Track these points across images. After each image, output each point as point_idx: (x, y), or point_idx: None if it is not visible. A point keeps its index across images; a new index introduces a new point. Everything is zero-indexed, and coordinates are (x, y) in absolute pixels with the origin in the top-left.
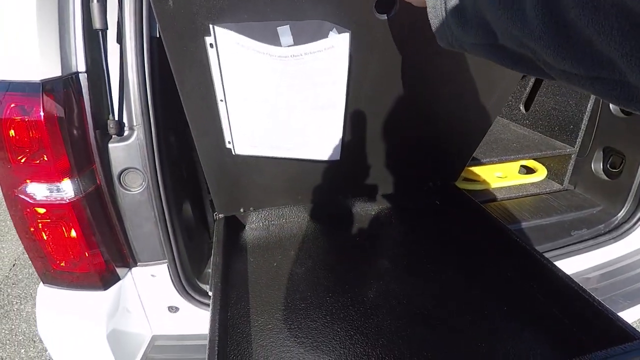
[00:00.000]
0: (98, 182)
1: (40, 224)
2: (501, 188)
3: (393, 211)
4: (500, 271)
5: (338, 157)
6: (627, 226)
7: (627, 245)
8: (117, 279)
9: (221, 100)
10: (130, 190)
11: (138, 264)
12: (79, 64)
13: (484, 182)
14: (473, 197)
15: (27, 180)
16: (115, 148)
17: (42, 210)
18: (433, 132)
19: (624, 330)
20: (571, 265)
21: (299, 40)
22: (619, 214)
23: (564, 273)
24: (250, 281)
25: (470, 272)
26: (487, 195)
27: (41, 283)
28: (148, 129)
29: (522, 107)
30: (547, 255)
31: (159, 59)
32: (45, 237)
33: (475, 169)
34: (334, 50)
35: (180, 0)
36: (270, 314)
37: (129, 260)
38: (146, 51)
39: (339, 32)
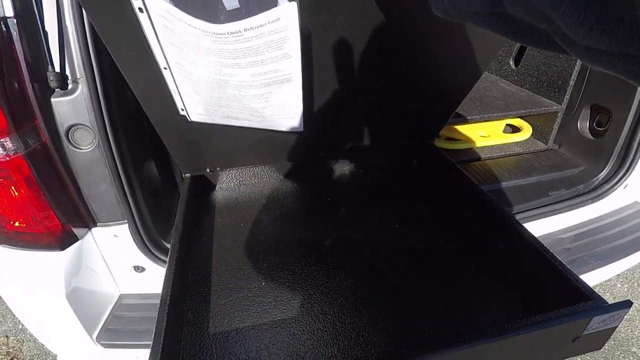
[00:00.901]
0: (43, 139)
1: None
2: (484, 147)
3: (367, 171)
4: (470, 231)
5: (301, 129)
6: (606, 187)
7: (604, 206)
8: (75, 239)
9: (165, 68)
10: (80, 148)
11: (98, 224)
12: (6, 8)
13: (467, 141)
14: (455, 156)
15: None
16: (59, 103)
17: None
18: (410, 91)
19: (582, 292)
20: (546, 225)
21: (245, 3)
22: (600, 175)
23: (531, 234)
24: (215, 241)
25: (439, 233)
26: (469, 155)
27: None
28: (92, 82)
29: (511, 62)
30: (523, 215)
31: None
32: None
33: (459, 128)
34: (281, 22)
35: None
36: (232, 273)
37: (87, 220)
38: None
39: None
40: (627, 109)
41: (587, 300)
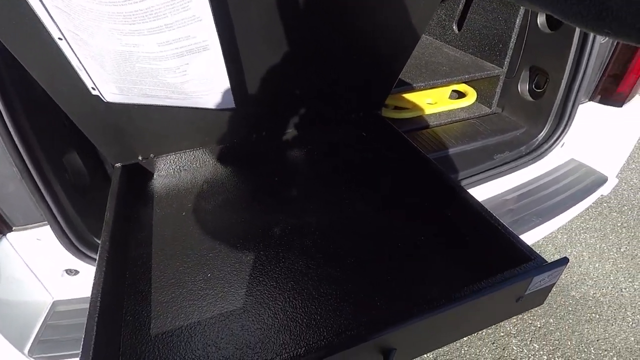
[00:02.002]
0: None
1: None
2: (431, 115)
3: (314, 147)
4: (418, 202)
5: (232, 105)
6: (545, 146)
7: (543, 166)
8: None
9: (60, 39)
10: None
11: (14, 228)
12: None
13: (415, 109)
14: (404, 125)
15: None
16: None
17: None
18: (350, 58)
19: (523, 253)
20: (492, 188)
21: None
22: (540, 135)
23: (475, 200)
24: (155, 234)
25: (388, 206)
26: (417, 123)
27: None
28: None
29: (455, 27)
30: (470, 180)
31: None
32: None
33: (406, 96)
34: None
35: None
36: (174, 267)
37: None
38: None
39: None
40: (562, 70)
41: (528, 261)
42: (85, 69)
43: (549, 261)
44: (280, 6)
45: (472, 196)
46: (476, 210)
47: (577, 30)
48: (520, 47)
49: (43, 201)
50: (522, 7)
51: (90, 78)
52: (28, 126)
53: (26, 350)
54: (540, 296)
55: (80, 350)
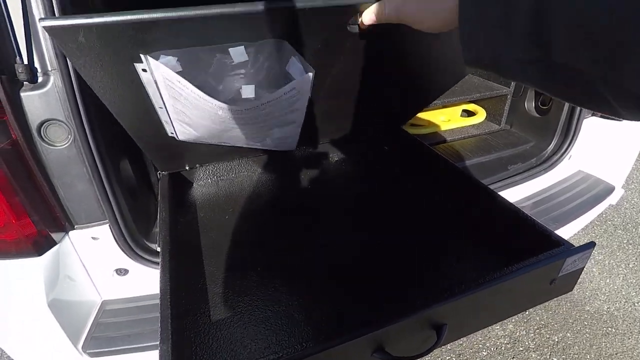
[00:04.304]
0: (13, 136)
1: None
2: (446, 131)
3: (346, 159)
4: (451, 202)
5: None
6: (554, 158)
7: (554, 176)
8: (53, 243)
9: (160, 108)
10: (54, 145)
11: (75, 226)
12: None
13: (430, 125)
14: (421, 140)
15: None
16: (29, 97)
17: None
18: (392, 88)
19: (552, 239)
20: (508, 196)
21: (255, 60)
22: (548, 148)
23: (502, 197)
24: (202, 234)
25: (422, 203)
26: (434, 139)
27: None
28: (66, 73)
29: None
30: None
31: None
32: None
33: (422, 114)
34: (295, 90)
35: (93, 34)
36: (223, 263)
37: (63, 223)
38: None
39: (305, 71)
40: None
41: (559, 246)
42: (172, 125)
43: None
44: (348, 63)
45: (498, 194)
46: (505, 205)
47: None
48: None
49: (107, 200)
50: None
51: (174, 130)
52: (99, 131)
53: (80, 346)
54: (570, 280)
55: (159, 337)
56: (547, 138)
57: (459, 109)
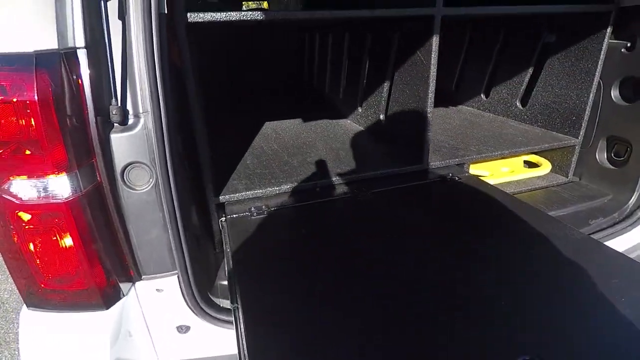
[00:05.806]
0: (99, 179)
1: (25, 231)
2: (509, 182)
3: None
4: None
5: None
6: (639, 213)
7: None
8: (120, 295)
9: None
10: (135, 189)
11: (143, 277)
12: (77, 37)
13: (493, 176)
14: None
15: (11, 177)
16: (118, 139)
17: (26, 217)
18: None
19: None
20: None
21: None
22: (630, 202)
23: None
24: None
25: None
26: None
27: (24, 306)
28: (158, 116)
29: (518, 104)
30: None
31: (167, 39)
32: (32, 248)
33: (483, 165)
34: None
35: None
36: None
37: (131, 272)
38: (154, 28)
39: None
40: None
41: None
42: None
43: None
44: None
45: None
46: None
47: None
48: (594, 118)
49: (179, 250)
50: (594, 84)
51: None
52: (178, 175)
53: None
54: None
55: None
56: (627, 191)
57: (520, 160)
